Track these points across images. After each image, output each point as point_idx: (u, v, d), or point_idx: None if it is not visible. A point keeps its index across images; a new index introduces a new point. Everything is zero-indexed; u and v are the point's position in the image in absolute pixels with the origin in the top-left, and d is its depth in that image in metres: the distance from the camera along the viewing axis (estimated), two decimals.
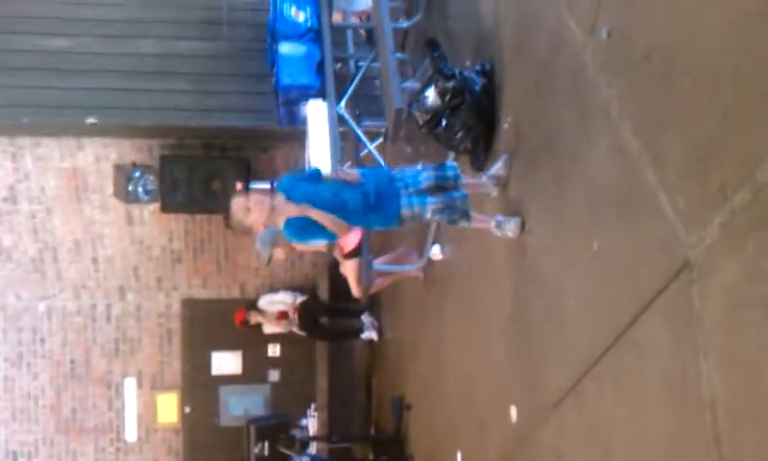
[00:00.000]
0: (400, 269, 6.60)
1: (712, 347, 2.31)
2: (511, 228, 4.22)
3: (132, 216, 8.71)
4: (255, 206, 4.12)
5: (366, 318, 8.26)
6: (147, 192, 8.26)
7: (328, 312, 8.68)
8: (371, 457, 7.96)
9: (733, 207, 2.23)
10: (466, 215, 4.30)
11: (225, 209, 4.28)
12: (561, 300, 3.65)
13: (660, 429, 2.63)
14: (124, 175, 8.29)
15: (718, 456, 2.26)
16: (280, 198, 4.20)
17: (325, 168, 5.76)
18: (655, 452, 2.66)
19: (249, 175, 8.08)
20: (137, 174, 8.18)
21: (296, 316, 8.53)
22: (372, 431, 8.45)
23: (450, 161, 4.51)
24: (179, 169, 8.03)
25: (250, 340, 8.84)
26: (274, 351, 8.94)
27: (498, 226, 4.29)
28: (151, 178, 8.14)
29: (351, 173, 4.44)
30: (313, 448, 8.00)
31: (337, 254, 6.40)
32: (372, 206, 4.22)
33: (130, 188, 8.29)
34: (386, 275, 6.65)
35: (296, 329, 8.58)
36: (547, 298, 3.83)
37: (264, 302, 8.73)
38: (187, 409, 8.92)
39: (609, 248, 3.10)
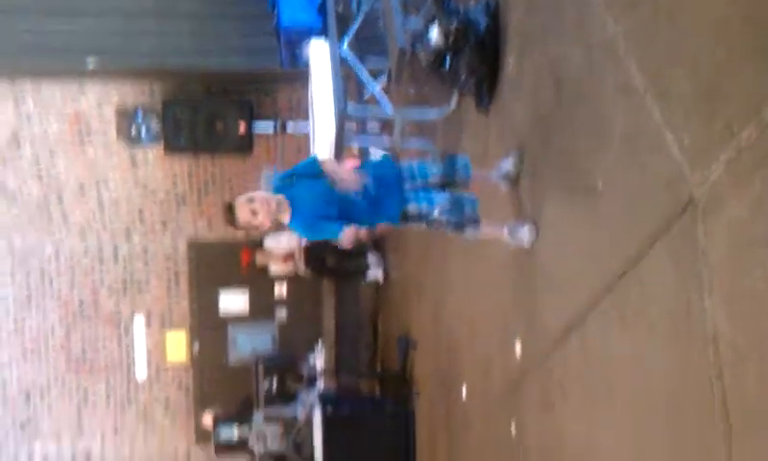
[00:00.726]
0: None
1: (717, 284, 2.35)
2: (524, 236, 4.07)
3: (135, 159, 8.73)
4: (261, 208, 3.98)
5: (372, 258, 8.34)
6: (150, 135, 8.27)
7: (334, 252, 8.75)
8: (377, 393, 8.11)
9: (739, 145, 2.25)
10: (474, 221, 4.16)
11: (227, 212, 4.10)
12: (565, 238, 3.70)
13: (663, 364, 2.70)
14: (127, 118, 8.29)
15: (721, 391, 2.31)
16: (281, 197, 4.06)
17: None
18: (658, 386, 2.73)
19: (252, 116, 8.08)
20: (140, 117, 8.17)
21: (302, 256, 8.60)
22: (379, 368, 8.59)
23: (462, 155, 4.37)
24: (181, 111, 8.01)
25: (256, 280, 8.93)
26: (280, 290, 9.04)
27: (511, 233, 4.14)
28: (153, 120, 8.13)
29: (352, 177, 4.17)
30: (320, 385, 8.15)
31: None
32: (373, 204, 4.09)
33: (133, 131, 8.30)
34: None
35: (302, 269, 8.66)
36: (552, 235, 3.88)
37: (270, 242, 8.80)
38: (196, 348, 9.06)
39: (614, 186, 3.13)
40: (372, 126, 6.91)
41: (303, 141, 7.15)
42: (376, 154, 7.03)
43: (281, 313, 9.02)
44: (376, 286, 8.65)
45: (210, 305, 9.02)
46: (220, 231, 9.02)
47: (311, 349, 8.54)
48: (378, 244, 8.28)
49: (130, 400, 9.07)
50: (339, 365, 8.70)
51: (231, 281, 8.98)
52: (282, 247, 8.72)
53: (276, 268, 8.81)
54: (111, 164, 8.71)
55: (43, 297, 8.94)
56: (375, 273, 8.31)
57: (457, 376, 5.62)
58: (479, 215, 4.18)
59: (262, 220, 4.01)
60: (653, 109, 2.77)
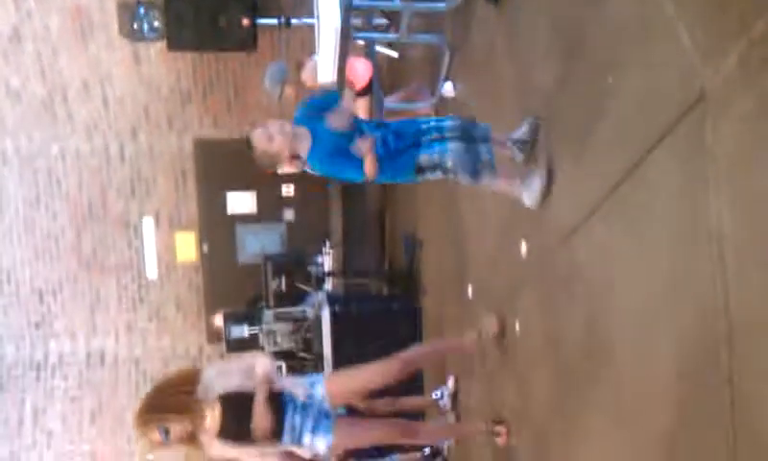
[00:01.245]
0: (412, 107, 6.51)
1: (723, 182, 2.29)
2: (535, 188, 3.88)
3: (138, 55, 8.58)
4: (277, 133, 3.87)
5: None
6: (153, 30, 8.10)
7: None
8: (385, 292, 8.17)
9: (752, 39, 2.14)
10: (490, 167, 3.94)
11: (247, 146, 3.96)
12: (572, 136, 3.61)
13: (666, 262, 2.66)
14: (128, 13, 8.10)
15: (723, 289, 2.28)
16: (301, 128, 3.95)
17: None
18: (660, 282, 2.69)
19: (255, 11, 7.87)
20: (142, 11, 7.98)
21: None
22: (386, 268, 8.63)
23: (484, 124, 4.12)
24: (183, 6, 7.82)
25: (263, 180, 8.87)
26: (287, 190, 9.01)
27: (525, 184, 3.96)
28: (155, 15, 7.95)
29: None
30: (329, 284, 8.21)
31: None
32: (382, 156, 3.89)
33: (135, 26, 8.13)
34: (397, 113, 6.57)
35: (309, 169, 8.59)
36: (558, 132, 3.79)
37: None
38: (205, 247, 9.11)
39: (623, 81, 3.02)
40: (378, 20, 6.71)
41: (308, 36, 6.97)
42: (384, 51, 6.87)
43: (289, 213, 9.02)
44: (384, 186, 8.59)
45: (218, 206, 9.03)
46: (225, 130, 8.94)
47: (319, 248, 8.56)
48: None
49: (141, 299, 9.18)
50: (347, 264, 8.74)
51: (239, 181, 8.95)
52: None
53: (282, 168, 8.74)
54: (114, 60, 8.57)
55: (52, 197, 8.95)
56: None
57: (463, 275, 5.63)
58: (496, 164, 3.98)
59: (279, 146, 3.90)
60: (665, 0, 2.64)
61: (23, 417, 8.93)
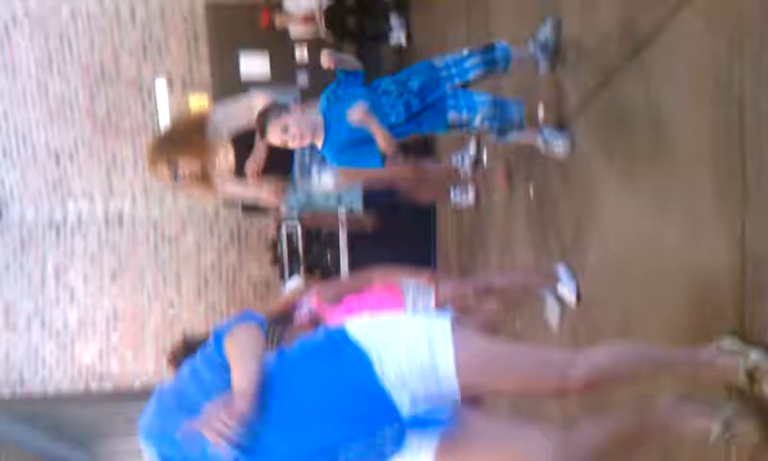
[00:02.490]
0: None
1: (748, 47, 2.27)
2: (559, 145, 3.86)
3: None
4: (296, 140, 3.69)
5: (394, 20, 8.09)
6: None
7: (356, 14, 8.49)
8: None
9: None
10: (520, 126, 3.89)
11: (259, 124, 3.75)
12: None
13: (686, 125, 2.67)
14: None
15: (740, 151, 2.30)
16: (318, 120, 3.80)
17: None
18: (681, 140, 2.71)
19: None
20: None
21: (322, 18, 8.37)
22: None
23: (500, 42, 3.92)
24: None
25: (277, 43, 8.76)
26: (301, 54, 8.88)
27: (546, 140, 3.92)
28: None
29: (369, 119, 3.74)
30: None
31: None
32: (415, 113, 3.80)
33: None
34: None
35: (322, 32, 8.46)
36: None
37: (290, 4, 8.54)
38: None
39: None
40: None
41: None
42: None
43: (303, 77, 8.92)
44: (399, 50, 8.47)
45: (231, 69, 8.93)
46: None
47: None
48: (401, 3, 8.00)
49: None
50: None
51: (252, 44, 8.81)
52: (302, 8, 8.47)
53: (296, 30, 8.61)
54: None
55: (64, 60, 8.88)
56: (398, 35, 8.10)
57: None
58: (525, 119, 3.92)
59: (296, 146, 3.82)
60: None
61: (45, 276, 9.19)
